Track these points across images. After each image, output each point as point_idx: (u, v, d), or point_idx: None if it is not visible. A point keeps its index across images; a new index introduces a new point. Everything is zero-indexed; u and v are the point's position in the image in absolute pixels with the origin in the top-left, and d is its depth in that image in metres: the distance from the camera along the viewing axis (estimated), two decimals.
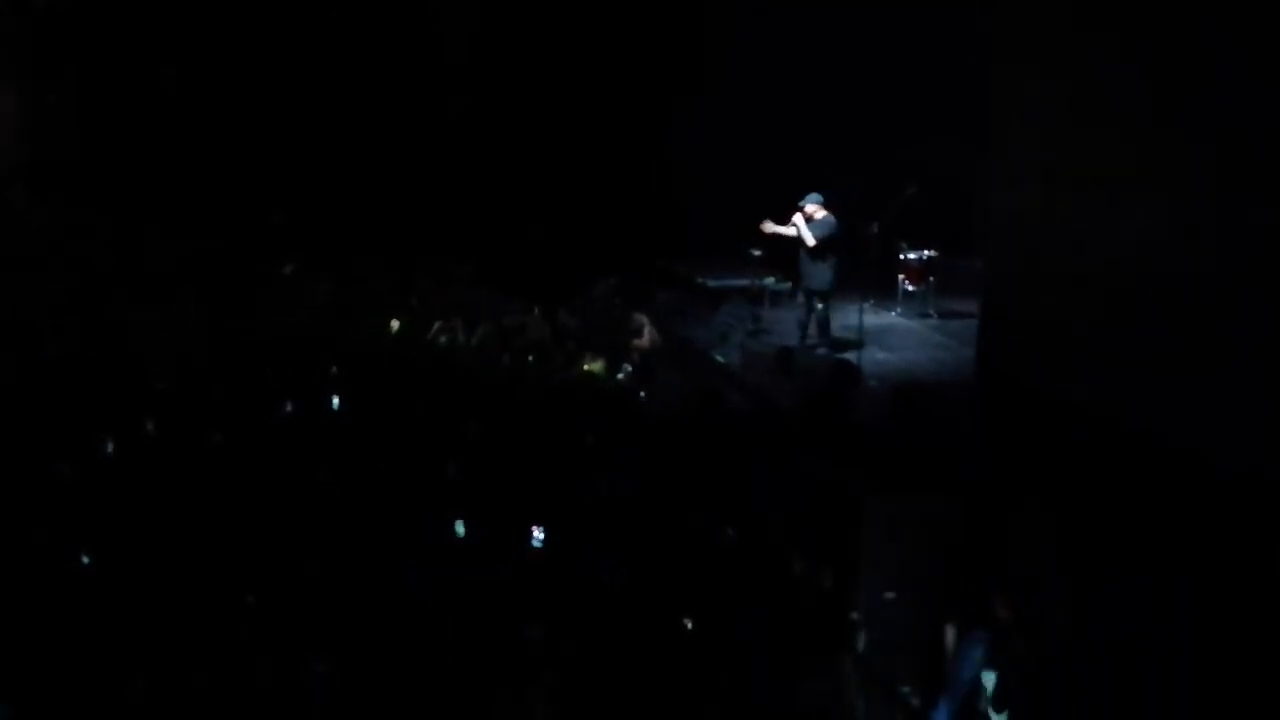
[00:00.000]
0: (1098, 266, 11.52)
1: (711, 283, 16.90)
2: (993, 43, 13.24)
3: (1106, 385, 11.11)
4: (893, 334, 15.34)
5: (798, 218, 14.45)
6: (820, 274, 14.43)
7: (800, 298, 14.88)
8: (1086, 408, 11.15)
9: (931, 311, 15.99)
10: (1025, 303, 12.64)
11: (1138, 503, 9.12)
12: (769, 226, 14.60)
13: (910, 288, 16.12)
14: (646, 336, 14.32)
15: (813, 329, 14.60)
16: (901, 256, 16.03)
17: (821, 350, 14.35)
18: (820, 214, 14.44)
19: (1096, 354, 11.39)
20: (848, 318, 14.93)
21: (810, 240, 14.29)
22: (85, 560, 7.99)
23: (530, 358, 12.89)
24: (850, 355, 13.88)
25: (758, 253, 15.58)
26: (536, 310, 14.50)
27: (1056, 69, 12.17)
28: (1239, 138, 9.95)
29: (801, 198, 14.48)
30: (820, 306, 14.54)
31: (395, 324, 13.43)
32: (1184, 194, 10.53)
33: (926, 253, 15.98)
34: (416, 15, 19.33)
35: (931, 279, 16.00)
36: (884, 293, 16.04)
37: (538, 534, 8.35)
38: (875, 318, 15.39)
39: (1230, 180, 10.09)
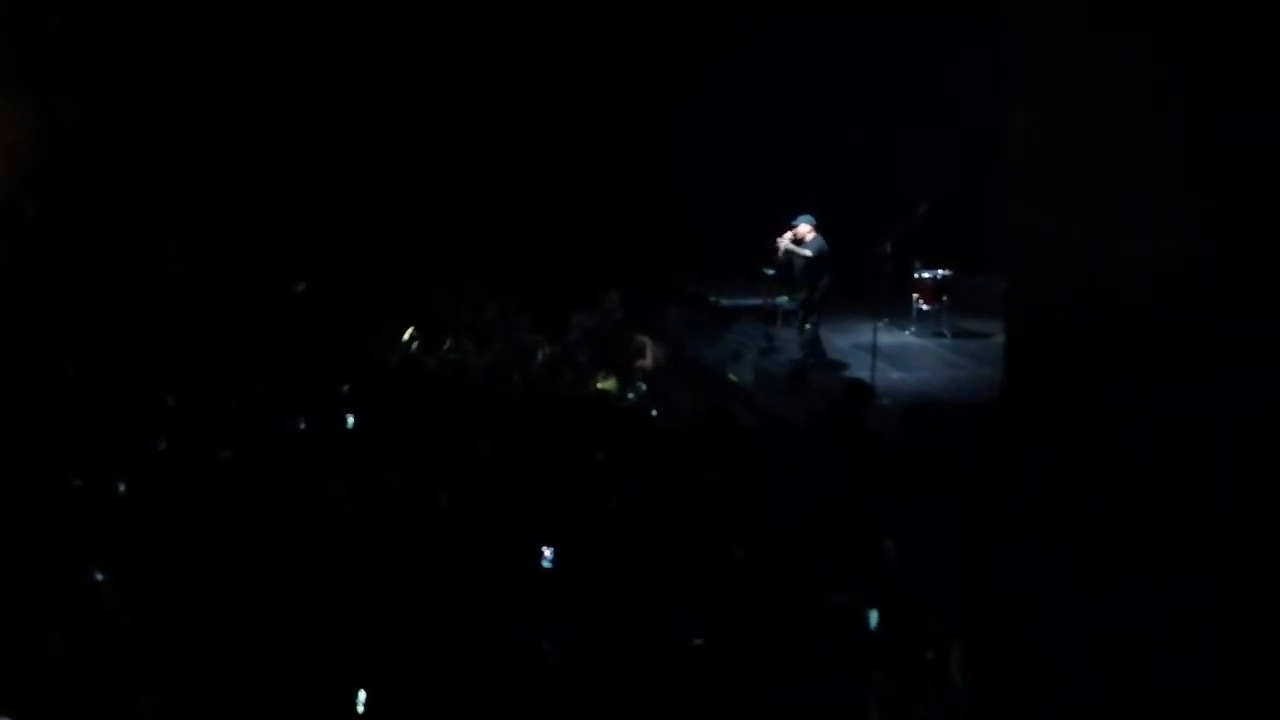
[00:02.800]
0: (1127, 279, 11.50)
1: (724, 301, 16.93)
2: (1006, 52, 13.22)
3: (1124, 396, 11.09)
4: (907, 353, 15.31)
5: (787, 237, 14.56)
6: (809, 294, 14.47)
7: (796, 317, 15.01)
8: (1120, 424, 11.12)
9: (945, 331, 15.96)
10: (1059, 317, 12.58)
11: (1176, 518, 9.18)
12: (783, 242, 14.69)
13: (924, 307, 16.09)
14: (649, 357, 14.35)
15: (799, 345, 14.72)
16: (915, 275, 16.01)
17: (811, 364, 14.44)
18: (811, 235, 14.55)
19: (1130, 369, 11.35)
20: (861, 336, 14.92)
21: (805, 261, 14.39)
22: (98, 575, 7.98)
23: (541, 376, 12.89)
24: (861, 374, 13.89)
25: (770, 272, 15.59)
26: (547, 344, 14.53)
27: (1070, 79, 12.17)
28: (1267, 145, 9.95)
29: (794, 217, 14.64)
30: (808, 326, 14.58)
31: (409, 333, 13.44)
32: (1216, 205, 10.53)
33: (940, 272, 15.95)
34: (427, 32, 19.43)
35: (945, 298, 15.97)
36: (898, 312, 16.02)
37: (547, 553, 8.33)
38: (889, 337, 15.36)
39: (1248, 189, 10.09)
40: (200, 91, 18.88)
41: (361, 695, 6.93)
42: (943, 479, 10.23)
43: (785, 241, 14.66)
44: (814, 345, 14.72)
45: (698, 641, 7.40)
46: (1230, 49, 10.27)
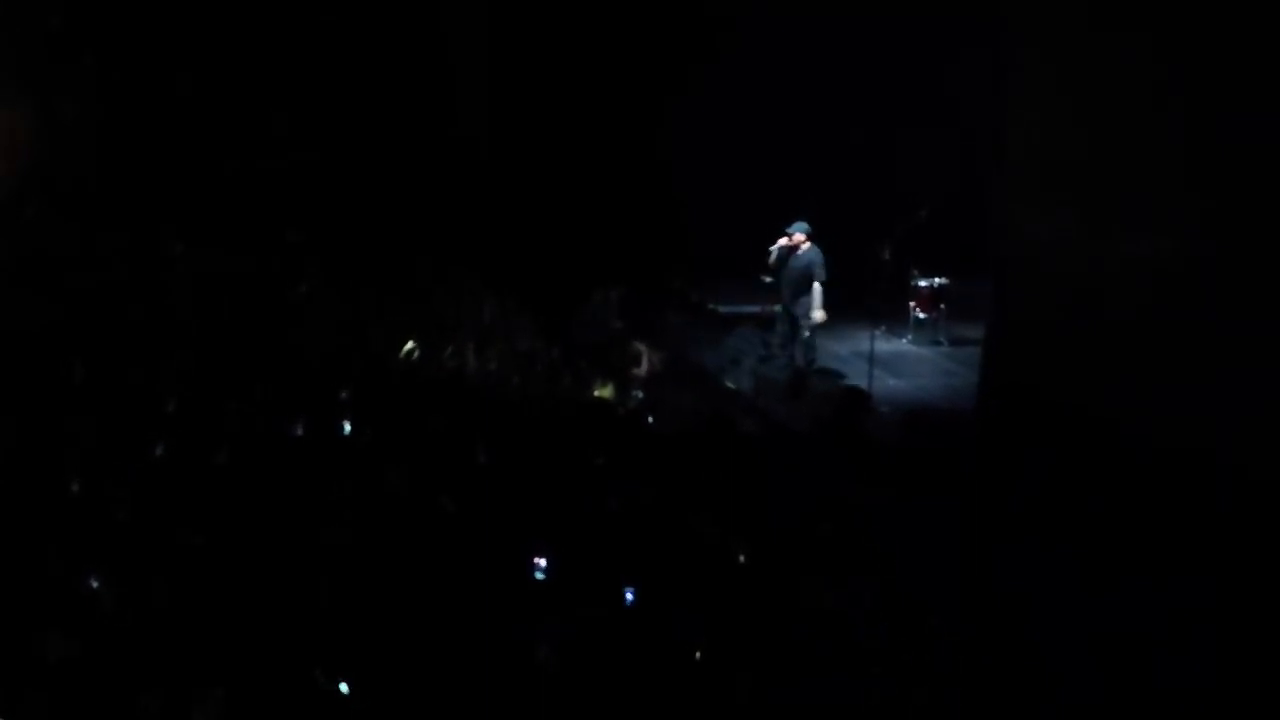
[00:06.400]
0: (1127, 279, 11.52)
1: (723, 308, 16.95)
2: (1006, 52, 13.21)
3: (1124, 396, 11.10)
4: (904, 361, 15.35)
5: (782, 244, 14.55)
6: (807, 303, 14.51)
7: (783, 323, 15.00)
8: (1104, 418, 11.13)
9: (942, 339, 16.00)
10: (1042, 313, 12.59)
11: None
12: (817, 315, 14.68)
13: (921, 315, 16.11)
14: (645, 365, 14.36)
15: (799, 354, 14.69)
16: (912, 283, 16.04)
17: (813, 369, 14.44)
18: (806, 244, 14.52)
19: (1114, 364, 11.36)
20: (858, 344, 14.94)
21: (818, 293, 14.36)
22: (97, 578, 7.96)
23: (541, 380, 12.91)
24: (859, 381, 13.91)
25: (769, 279, 15.61)
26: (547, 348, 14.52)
27: (1070, 79, 12.19)
28: (1267, 145, 9.96)
29: (790, 224, 14.63)
30: (808, 334, 14.60)
31: (409, 346, 13.43)
32: (1202, 204, 10.55)
33: (937, 280, 15.98)
34: (427, 32, 19.45)
35: (942, 306, 16.00)
36: (895, 319, 16.05)
37: (541, 563, 8.31)
38: (886, 345, 15.36)
39: (1248, 190, 10.11)
40: (200, 91, 18.88)
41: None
42: (942, 480, 10.25)
43: (782, 244, 14.67)
44: (810, 352, 14.72)
45: (697, 643, 7.39)
46: (1230, 49, 10.30)
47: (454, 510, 9.01)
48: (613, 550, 8.41)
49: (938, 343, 15.97)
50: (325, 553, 8.31)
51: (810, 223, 14.66)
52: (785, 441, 12.42)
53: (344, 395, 11.26)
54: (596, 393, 13.07)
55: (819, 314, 14.44)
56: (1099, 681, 7.12)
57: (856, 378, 14.20)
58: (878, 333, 14.60)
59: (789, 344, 14.79)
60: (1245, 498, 9.47)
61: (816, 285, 14.41)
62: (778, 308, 15.65)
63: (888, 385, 14.19)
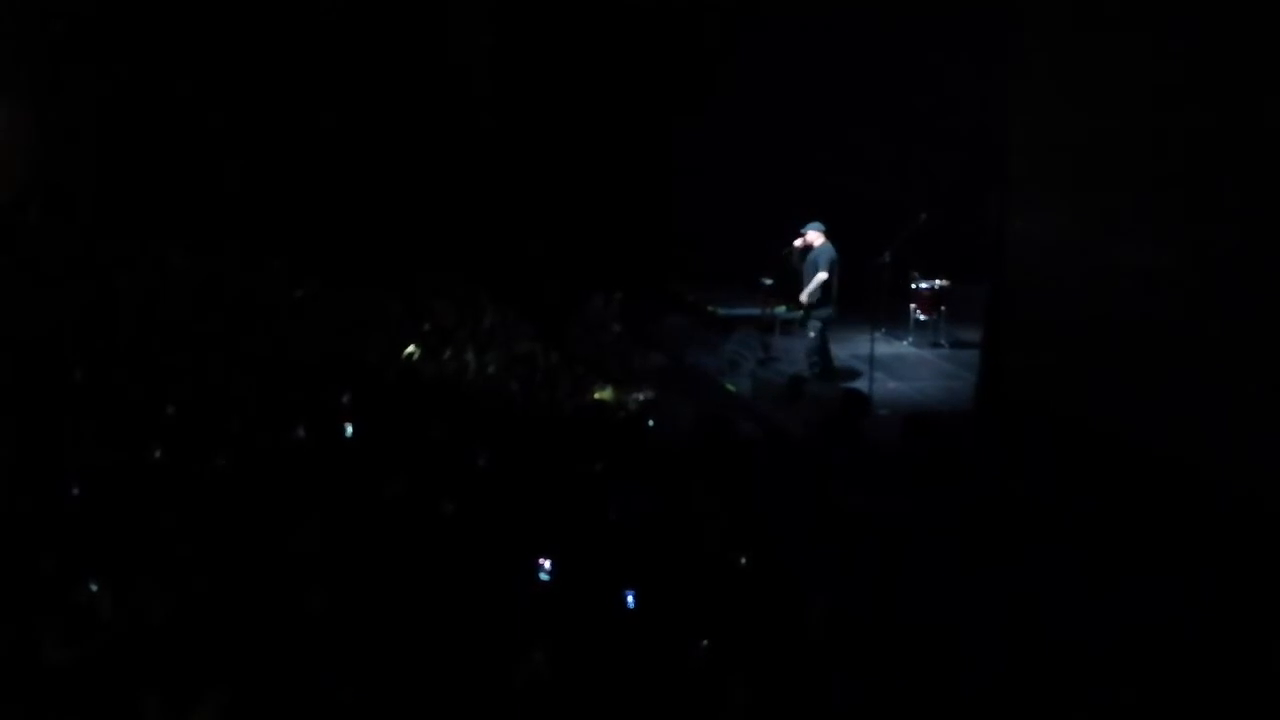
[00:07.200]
0: (1113, 279, 11.52)
1: (721, 310, 16.95)
2: (1009, 61, 13.21)
3: (1122, 398, 11.11)
4: (904, 363, 15.36)
5: (797, 244, 14.55)
6: (820, 304, 14.48)
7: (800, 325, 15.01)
8: (1103, 420, 11.13)
9: (943, 341, 16.01)
10: (1041, 315, 12.57)
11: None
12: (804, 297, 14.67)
13: (922, 317, 16.12)
14: (644, 368, 14.37)
15: (803, 357, 14.74)
16: (913, 286, 16.04)
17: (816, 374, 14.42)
18: (820, 241, 14.52)
19: (1113, 367, 11.36)
20: (858, 347, 14.94)
21: (817, 280, 14.33)
22: (93, 585, 7.95)
23: (539, 384, 12.90)
24: (859, 384, 13.91)
25: (768, 281, 15.61)
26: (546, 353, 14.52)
27: (1071, 80, 12.19)
28: (1263, 158, 9.96)
29: (804, 224, 14.62)
30: (813, 335, 14.57)
31: (410, 349, 13.41)
32: (1202, 206, 10.55)
33: (938, 282, 15.99)
34: (431, 36, 19.49)
35: (943, 308, 16.00)
36: (895, 322, 16.05)
37: (545, 564, 8.30)
38: (886, 347, 15.40)
39: (1250, 201, 10.10)
40: (201, 96, 18.91)
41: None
42: (942, 483, 10.24)
43: (797, 244, 14.66)
44: (822, 355, 14.71)
45: (696, 650, 7.38)
46: (1230, 50, 10.29)
47: (453, 514, 9.00)
48: (612, 554, 8.41)
49: (938, 345, 15.99)
50: (323, 557, 8.30)
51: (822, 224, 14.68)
52: (784, 445, 12.41)
53: (344, 400, 11.26)
54: (595, 396, 13.07)
55: (803, 295, 14.52)
56: (1098, 681, 7.12)
57: (857, 381, 14.21)
58: (878, 335, 14.61)
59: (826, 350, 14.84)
60: (1245, 501, 9.48)
61: (820, 274, 14.41)
62: (779, 309, 15.68)
63: (888, 388, 14.20)
